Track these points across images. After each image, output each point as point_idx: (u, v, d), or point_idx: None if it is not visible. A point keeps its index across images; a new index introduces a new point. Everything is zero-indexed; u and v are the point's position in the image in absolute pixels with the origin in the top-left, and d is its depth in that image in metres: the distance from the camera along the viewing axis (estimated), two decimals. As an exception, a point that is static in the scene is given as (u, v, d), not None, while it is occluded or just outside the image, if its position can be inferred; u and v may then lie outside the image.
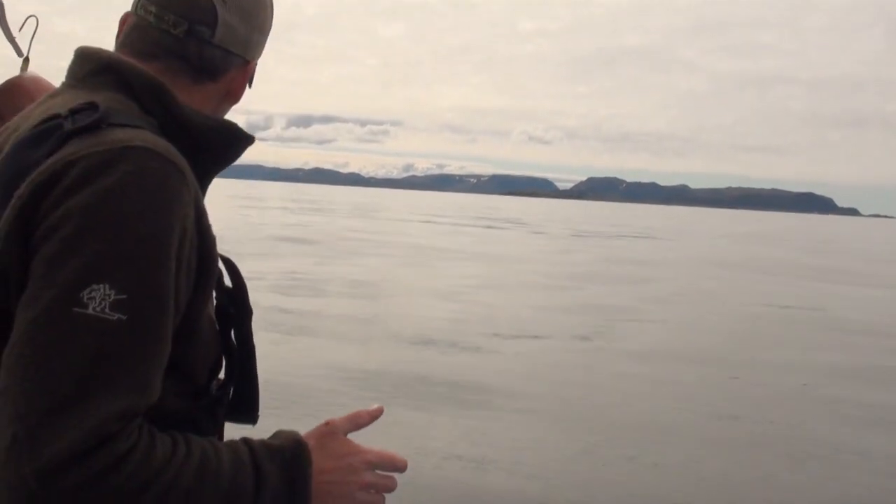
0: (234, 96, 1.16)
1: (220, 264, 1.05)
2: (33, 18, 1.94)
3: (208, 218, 0.99)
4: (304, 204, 67.49)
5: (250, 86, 1.20)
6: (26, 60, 2.17)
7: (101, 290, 0.84)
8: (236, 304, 1.10)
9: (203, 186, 1.07)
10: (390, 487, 1.08)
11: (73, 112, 0.94)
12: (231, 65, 1.12)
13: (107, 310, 0.84)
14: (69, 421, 0.80)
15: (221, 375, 1.11)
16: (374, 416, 1.10)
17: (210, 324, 1.04)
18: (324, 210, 56.54)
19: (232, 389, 1.10)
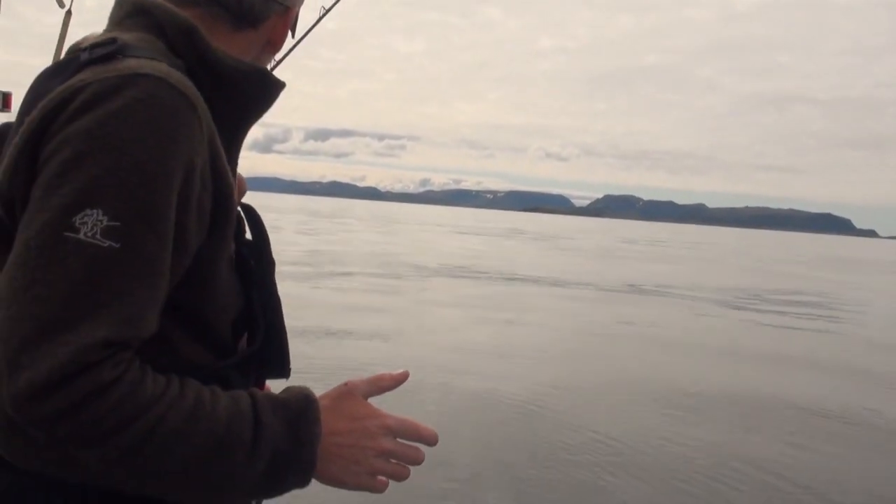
0: (274, 45, 1.13)
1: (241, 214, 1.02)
2: None
3: (225, 161, 0.96)
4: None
5: (293, 34, 1.17)
6: (68, 13, 2.13)
7: (95, 216, 0.82)
8: (257, 256, 1.06)
9: (235, 136, 1.05)
10: (415, 459, 1.00)
11: (94, 46, 0.94)
12: (271, 11, 1.09)
13: (98, 235, 0.82)
14: (50, 347, 0.78)
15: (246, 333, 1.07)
16: (399, 380, 1.03)
17: (230, 273, 1.00)
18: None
19: (260, 344, 1.06)
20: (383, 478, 0.98)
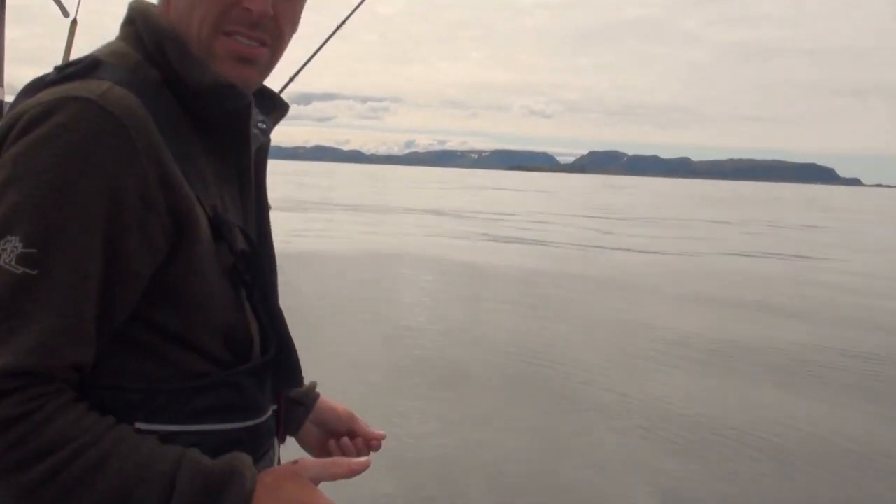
0: None
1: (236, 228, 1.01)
2: None
3: (180, 177, 0.93)
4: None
5: None
6: (74, 23, 2.19)
7: (13, 242, 0.82)
8: (251, 269, 1.02)
9: (221, 148, 1.03)
10: None
11: (69, 64, 0.95)
12: None
13: (12, 262, 0.82)
14: None
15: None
16: (356, 471, 1.00)
17: (221, 287, 0.97)
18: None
19: (275, 353, 1.05)
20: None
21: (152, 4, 1.04)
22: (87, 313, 0.86)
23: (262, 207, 1.12)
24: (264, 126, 1.10)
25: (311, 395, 1.26)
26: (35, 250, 0.83)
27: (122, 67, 0.96)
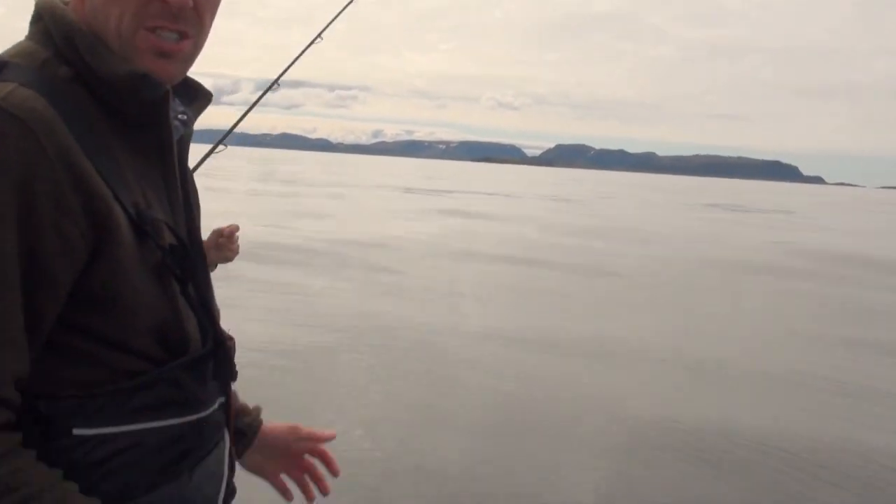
0: None
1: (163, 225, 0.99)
2: None
3: (97, 178, 0.91)
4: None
5: None
6: None
7: None
8: (181, 263, 1.00)
9: (142, 143, 1.01)
10: None
11: None
12: None
13: None
14: None
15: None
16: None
17: (149, 283, 0.96)
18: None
19: (211, 346, 1.05)
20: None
21: (61, 0, 1.01)
22: (15, 322, 0.85)
23: (188, 198, 1.11)
24: (185, 117, 1.08)
25: (253, 426, 1.30)
26: None
27: (28, 67, 0.94)
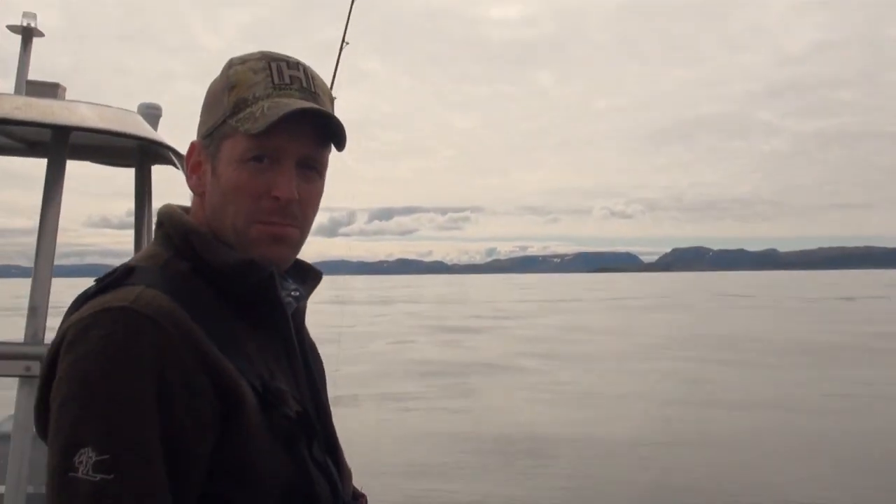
0: (200, 181, 1.16)
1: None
2: None
3: (221, 359, 1.01)
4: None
5: (186, 169, 1.20)
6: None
7: (86, 453, 0.90)
8: (308, 430, 1.09)
9: (262, 323, 1.12)
10: None
11: (105, 276, 1.06)
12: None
13: (90, 472, 0.90)
14: None
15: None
16: None
17: (275, 455, 1.04)
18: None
19: None
20: None
21: (179, 207, 1.17)
22: (164, 500, 0.94)
23: (308, 365, 1.21)
24: (297, 293, 1.20)
25: None
26: (107, 456, 0.90)
27: (153, 268, 1.07)
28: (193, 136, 1.17)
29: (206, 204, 1.15)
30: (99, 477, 0.90)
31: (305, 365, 1.20)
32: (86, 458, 0.91)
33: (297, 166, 1.13)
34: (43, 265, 2.42)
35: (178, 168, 2.84)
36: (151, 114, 2.85)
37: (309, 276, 1.27)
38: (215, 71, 1.18)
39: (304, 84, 1.15)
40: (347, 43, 2.79)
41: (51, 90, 2.57)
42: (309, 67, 1.18)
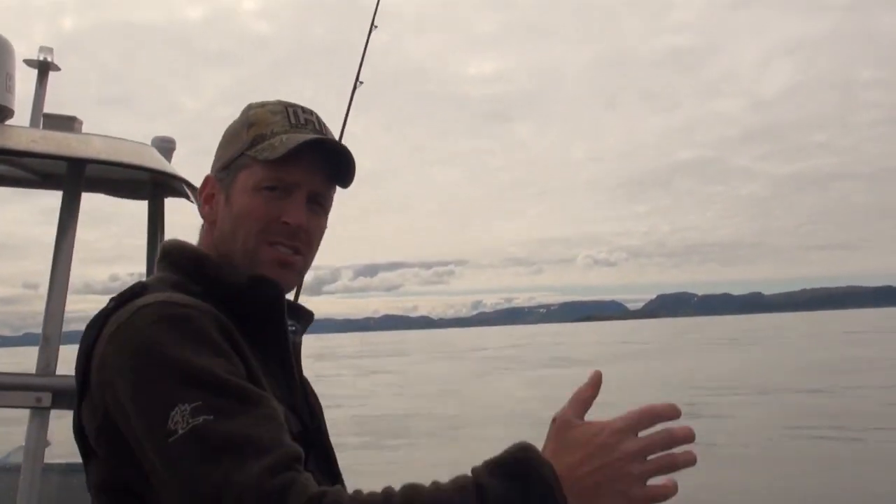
0: (212, 210, 1.22)
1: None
2: None
3: (251, 360, 1.07)
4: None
5: (199, 200, 1.26)
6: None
7: (178, 412, 0.93)
8: (307, 447, 1.05)
9: (269, 342, 1.17)
10: (670, 440, 0.89)
11: (121, 293, 1.11)
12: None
13: (190, 420, 0.92)
14: None
15: None
16: (595, 384, 0.96)
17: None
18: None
19: None
20: (658, 481, 0.89)
21: (182, 241, 1.23)
22: (267, 411, 0.98)
23: (307, 394, 1.25)
24: (294, 329, 1.25)
25: None
26: (200, 402, 0.93)
27: (166, 286, 1.13)
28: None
29: (217, 230, 1.21)
30: (202, 418, 0.92)
31: (303, 390, 1.25)
32: (179, 417, 0.93)
33: (307, 200, 1.20)
34: (56, 296, 2.43)
35: (190, 201, 2.88)
36: (165, 147, 2.89)
37: (302, 314, 1.32)
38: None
39: (317, 126, 1.23)
40: (362, 82, 2.87)
41: (67, 123, 2.61)
42: (320, 117, 1.26)
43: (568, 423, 0.94)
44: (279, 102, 1.23)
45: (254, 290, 1.14)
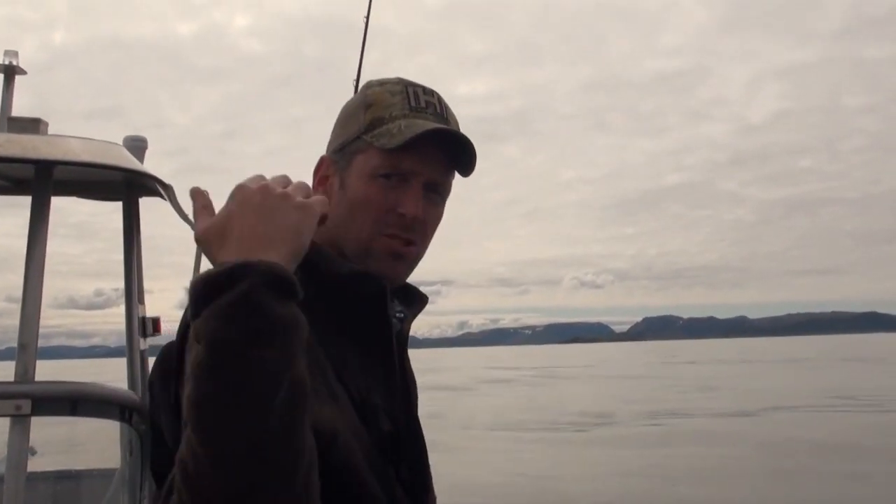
0: (326, 193, 1.15)
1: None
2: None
3: (327, 365, 1.04)
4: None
5: (314, 182, 1.19)
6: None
7: None
8: (398, 449, 1.10)
9: (363, 337, 1.12)
10: (308, 191, 0.98)
11: None
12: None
13: None
14: None
15: None
16: (199, 193, 0.99)
17: (363, 467, 1.02)
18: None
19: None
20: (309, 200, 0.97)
21: None
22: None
23: (406, 388, 1.20)
24: (402, 316, 1.20)
25: None
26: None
27: None
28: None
29: (331, 215, 1.11)
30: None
31: (404, 387, 1.19)
32: None
33: (424, 189, 1.15)
34: (31, 303, 2.36)
35: (164, 199, 2.82)
36: (137, 146, 2.82)
37: (416, 298, 1.27)
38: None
39: (438, 110, 1.18)
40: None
41: (32, 126, 2.54)
42: (442, 97, 1.21)
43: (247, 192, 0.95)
44: (399, 81, 1.19)
45: (353, 286, 1.12)
